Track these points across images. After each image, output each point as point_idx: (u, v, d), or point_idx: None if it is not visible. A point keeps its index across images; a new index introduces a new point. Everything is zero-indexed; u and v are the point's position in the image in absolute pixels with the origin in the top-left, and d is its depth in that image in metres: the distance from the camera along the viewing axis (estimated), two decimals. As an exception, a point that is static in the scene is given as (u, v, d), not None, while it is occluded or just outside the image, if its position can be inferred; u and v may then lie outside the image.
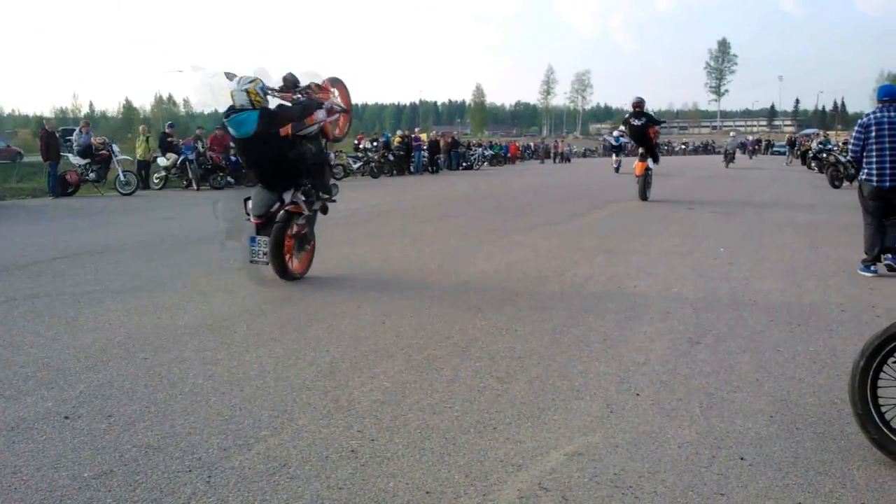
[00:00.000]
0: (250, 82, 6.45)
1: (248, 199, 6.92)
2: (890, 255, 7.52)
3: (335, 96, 7.54)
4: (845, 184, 19.86)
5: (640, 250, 9.05)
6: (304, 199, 6.85)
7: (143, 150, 19.84)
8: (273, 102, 6.79)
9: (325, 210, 7.41)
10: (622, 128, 20.16)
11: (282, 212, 6.78)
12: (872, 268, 7.50)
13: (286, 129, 6.46)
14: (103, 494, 2.83)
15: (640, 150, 15.79)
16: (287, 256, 6.81)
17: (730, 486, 2.92)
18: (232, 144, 9.00)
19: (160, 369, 4.36)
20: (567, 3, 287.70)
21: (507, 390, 4.04)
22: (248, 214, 6.86)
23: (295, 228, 6.87)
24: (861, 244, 7.79)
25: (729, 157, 37.61)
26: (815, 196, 18.00)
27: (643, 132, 15.71)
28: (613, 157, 33.23)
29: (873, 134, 7.40)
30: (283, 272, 6.78)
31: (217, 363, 4.48)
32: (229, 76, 6.70)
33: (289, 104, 6.82)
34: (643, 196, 15.85)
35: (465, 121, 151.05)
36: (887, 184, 7.30)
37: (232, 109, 6.50)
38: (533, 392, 4.01)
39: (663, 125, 21.33)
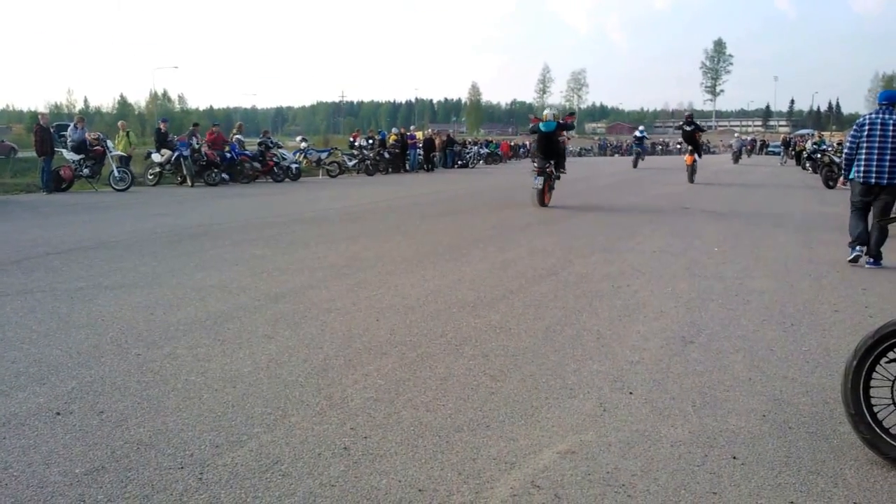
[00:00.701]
0: (554, 111, 14.56)
1: (535, 160, 14.22)
2: (872, 260, 8.01)
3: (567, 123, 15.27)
4: (840, 183, 19.95)
5: (634, 249, 9.06)
6: (555, 168, 14.32)
7: (123, 146, 19.68)
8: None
9: (558, 177, 14.79)
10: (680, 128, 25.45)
11: (546, 171, 13.93)
12: (859, 249, 8.10)
13: (560, 133, 14.45)
14: (94, 491, 2.82)
15: (690, 148, 22.97)
16: (546, 194, 14.12)
17: (722, 485, 2.92)
18: (536, 132, 14.33)
19: (153, 366, 4.35)
20: (563, 2, 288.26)
21: (501, 388, 4.04)
22: (535, 165, 14.02)
23: (551, 181, 14.38)
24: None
25: (736, 156, 42.67)
26: (808, 196, 18.04)
27: (692, 136, 22.92)
28: (635, 151, 37.84)
29: (866, 133, 7.87)
30: (542, 202, 14.01)
31: (210, 360, 4.47)
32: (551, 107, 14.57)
33: (563, 122, 14.79)
34: (691, 180, 22.34)
35: (461, 119, 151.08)
36: (873, 180, 7.85)
37: (541, 120, 14.25)
38: (526, 390, 4.01)
39: (705, 130, 29.20)
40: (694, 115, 24.70)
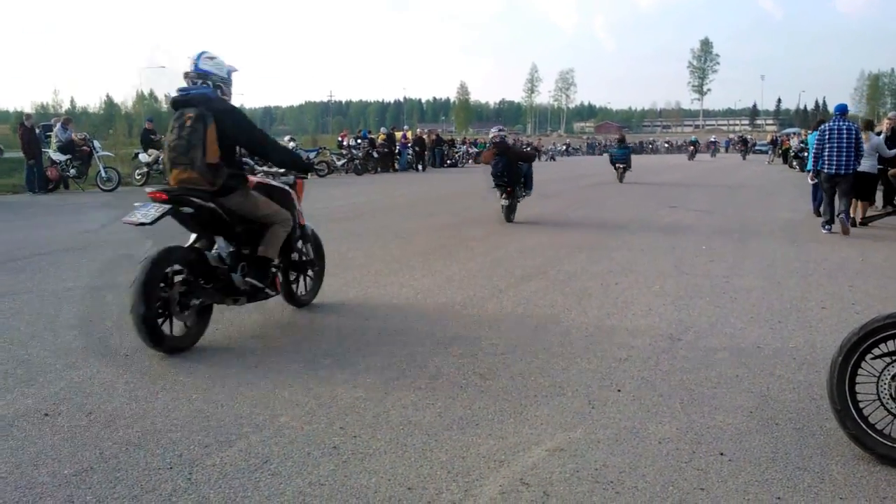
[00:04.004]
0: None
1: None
2: (830, 228, 10.68)
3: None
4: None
5: (623, 247, 9.09)
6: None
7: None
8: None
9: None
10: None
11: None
12: (827, 227, 10.69)
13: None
14: (83, 492, 2.81)
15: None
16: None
17: (710, 482, 2.94)
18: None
19: (141, 366, 4.33)
20: (551, 3, 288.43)
21: (490, 387, 4.05)
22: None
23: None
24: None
25: (743, 152, 51.91)
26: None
27: (745, 139, 30.28)
28: (691, 149, 49.44)
29: (827, 137, 10.55)
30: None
31: (199, 360, 4.46)
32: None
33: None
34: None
35: (449, 118, 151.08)
36: (833, 171, 10.51)
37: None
38: (515, 388, 4.02)
39: None
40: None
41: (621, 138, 28.08)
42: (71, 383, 4.03)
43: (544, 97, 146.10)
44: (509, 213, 12.02)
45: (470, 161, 39.54)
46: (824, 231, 10.63)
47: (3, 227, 11.05)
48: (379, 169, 28.40)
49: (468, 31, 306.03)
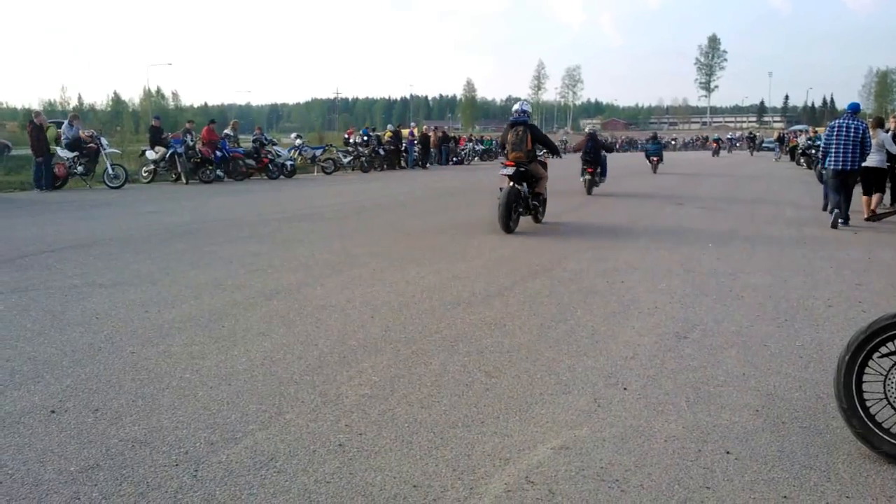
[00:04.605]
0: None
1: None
2: (841, 221, 11.03)
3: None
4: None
5: (629, 245, 9.08)
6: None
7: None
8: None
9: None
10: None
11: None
12: (834, 218, 11.02)
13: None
14: (89, 488, 2.82)
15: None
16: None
17: (716, 480, 2.93)
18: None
19: (147, 363, 4.35)
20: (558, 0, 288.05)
21: (495, 385, 4.05)
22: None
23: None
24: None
25: (751, 148, 54.33)
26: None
27: (753, 136, 34.06)
28: (714, 145, 52.67)
29: (835, 133, 11.07)
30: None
31: (205, 357, 4.47)
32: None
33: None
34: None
35: (456, 115, 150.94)
36: (839, 167, 11.05)
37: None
38: (521, 386, 4.02)
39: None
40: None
41: (654, 136, 31.17)
42: (77, 380, 4.05)
43: (551, 94, 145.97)
44: (591, 186, 16.83)
45: (476, 158, 39.43)
46: (835, 221, 10.94)
47: (11, 223, 11.09)
48: (385, 166, 28.39)
49: (474, 28, 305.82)
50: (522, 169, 10.43)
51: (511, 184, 10.28)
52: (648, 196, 17.00)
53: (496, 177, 12.35)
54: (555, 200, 12.76)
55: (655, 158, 27.20)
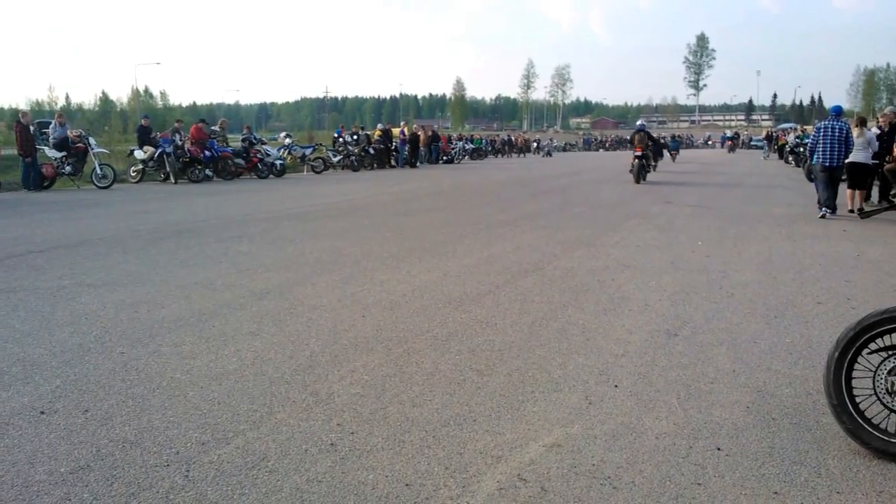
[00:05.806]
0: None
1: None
2: (829, 211, 12.16)
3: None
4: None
5: (619, 243, 9.10)
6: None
7: None
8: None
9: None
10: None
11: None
12: (823, 210, 12.15)
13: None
14: (80, 489, 2.81)
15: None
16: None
17: (707, 476, 2.94)
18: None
19: (137, 363, 4.33)
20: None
21: (487, 383, 4.05)
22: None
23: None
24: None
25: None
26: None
27: (771, 136, 38.36)
28: (729, 143, 56.39)
29: (822, 134, 12.35)
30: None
31: (195, 357, 4.45)
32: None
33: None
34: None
35: (445, 114, 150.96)
36: (827, 163, 12.20)
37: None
38: (512, 384, 4.02)
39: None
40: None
41: (674, 136, 44.70)
42: (67, 381, 4.02)
43: (540, 93, 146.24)
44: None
45: (466, 157, 39.44)
46: (823, 214, 12.09)
47: (-1, 224, 11.01)
48: (375, 165, 28.36)
49: (464, 26, 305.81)
50: (641, 153, 20.05)
51: (635, 161, 19.91)
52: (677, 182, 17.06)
53: (486, 176, 12.36)
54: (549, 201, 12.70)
55: (674, 152, 38.01)
